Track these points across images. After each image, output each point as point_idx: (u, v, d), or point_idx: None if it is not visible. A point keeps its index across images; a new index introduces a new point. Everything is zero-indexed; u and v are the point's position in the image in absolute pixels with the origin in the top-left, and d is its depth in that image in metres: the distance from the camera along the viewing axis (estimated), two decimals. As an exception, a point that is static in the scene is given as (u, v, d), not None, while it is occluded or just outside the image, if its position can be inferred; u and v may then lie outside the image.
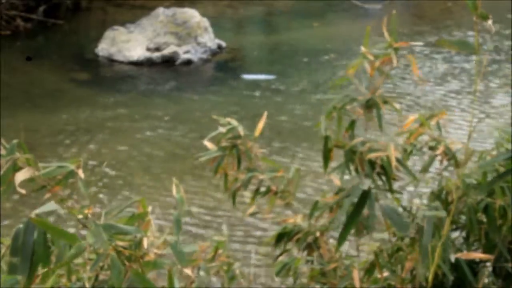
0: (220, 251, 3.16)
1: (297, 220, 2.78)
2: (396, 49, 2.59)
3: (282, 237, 2.80)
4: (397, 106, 2.63)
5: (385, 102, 2.58)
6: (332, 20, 13.06)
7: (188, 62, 10.92)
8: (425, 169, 2.71)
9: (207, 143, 2.76)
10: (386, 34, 2.61)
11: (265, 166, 2.82)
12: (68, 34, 12.11)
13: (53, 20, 12.30)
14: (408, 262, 2.47)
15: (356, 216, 2.32)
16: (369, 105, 2.57)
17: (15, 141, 1.98)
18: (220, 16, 13.04)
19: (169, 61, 10.91)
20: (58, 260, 1.91)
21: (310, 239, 2.72)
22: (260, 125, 2.75)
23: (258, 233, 5.96)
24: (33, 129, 8.29)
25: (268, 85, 9.89)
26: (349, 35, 11.98)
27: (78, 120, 8.63)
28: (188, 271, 2.00)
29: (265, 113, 2.78)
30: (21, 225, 1.91)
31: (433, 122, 2.68)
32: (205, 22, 11.42)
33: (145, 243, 2.01)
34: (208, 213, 6.41)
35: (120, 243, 1.95)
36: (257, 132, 2.74)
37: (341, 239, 2.37)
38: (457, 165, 2.59)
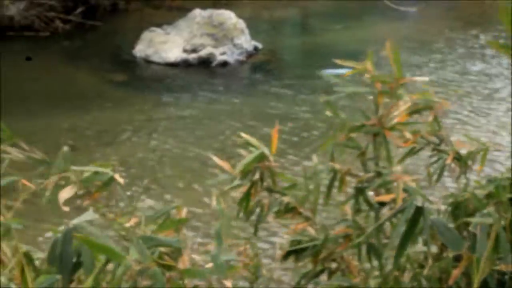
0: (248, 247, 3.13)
1: (306, 227, 2.67)
2: (399, 87, 2.51)
3: (294, 251, 2.68)
4: (408, 135, 2.51)
5: (392, 129, 2.50)
6: (367, 22, 13.00)
7: (224, 64, 10.96)
8: (437, 179, 2.64)
9: (222, 163, 2.55)
10: (393, 67, 2.52)
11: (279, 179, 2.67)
12: (105, 36, 12.23)
13: (91, 22, 12.42)
14: (455, 271, 2.41)
15: (411, 233, 2.27)
16: (377, 134, 2.51)
17: (65, 148, 2.00)
18: (256, 17, 13.07)
19: (205, 63, 10.95)
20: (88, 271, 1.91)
21: (332, 256, 2.62)
22: (274, 138, 2.58)
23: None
24: (71, 130, 8.39)
25: (305, 86, 9.87)
26: (384, 38, 11.92)
27: (115, 121, 8.71)
28: (228, 282, 2.01)
29: (277, 123, 2.65)
30: (59, 235, 1.93)
31: (430, 117, 2.57)
32: (242, 24, 11.45)
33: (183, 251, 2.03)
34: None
35: (161, 249, 1.99)
36: (273, 149, 2.57)
37: (397, 256, 2.32)
38: (465, 169, 2.54)
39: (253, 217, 2.69)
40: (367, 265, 2.59)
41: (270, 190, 2.61)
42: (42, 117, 8.48)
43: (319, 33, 12.61)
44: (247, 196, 2.57)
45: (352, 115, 2.59)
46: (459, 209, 2.51)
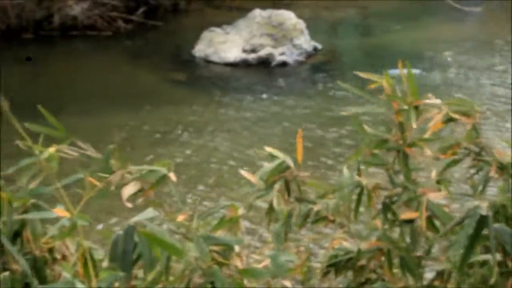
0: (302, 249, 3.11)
1: (342, 241, 2.62)
2: (416, 108, 2.48)
3: (333, 265, 2.63)
4: (429, 152, 2.46)
5: (411, 146, 2.46)
6: (429, 23, 12.84)
7: (284, 64, 10.95)
8: (482, 191, 2.58)
9: (249, 176, 2.54)
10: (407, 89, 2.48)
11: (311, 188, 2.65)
12: (166, 35, 12.34)
13: (152, 22, 12.56)
14: None
15: (475, 242, 2.22)
16: (398, 150, 2.47)
17: (111, 146, 2.03)
18: (316, 18, 13.03)
19: (264, 63, 10.97)
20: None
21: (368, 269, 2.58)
22: (299, 146, 2.54)
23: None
24: (128, 128, 8.49)
25: (366, 88, 9.77)
26: (447, 39, 11.77)
27: (173, 120, 8.79)
28: (287, 283, 2.01)
29: (301, 131, 2.59)
30: (120, 232, 1.94)
31: (468, 126, 2.50)
32: (301, 24, 11.44)
33: (237, 249, 2.04)
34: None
35: (214, 248, 2.00)
36: (298, 158, 2.53)
37: (461, 266, 2.28)
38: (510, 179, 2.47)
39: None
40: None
41: (299, 200, 2.58)
42: (101, 115, 8.61)
43: (379, 33, 12.51)
44: (272, 206, 2.54)
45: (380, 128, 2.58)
46: (499, 213, 2.46)
